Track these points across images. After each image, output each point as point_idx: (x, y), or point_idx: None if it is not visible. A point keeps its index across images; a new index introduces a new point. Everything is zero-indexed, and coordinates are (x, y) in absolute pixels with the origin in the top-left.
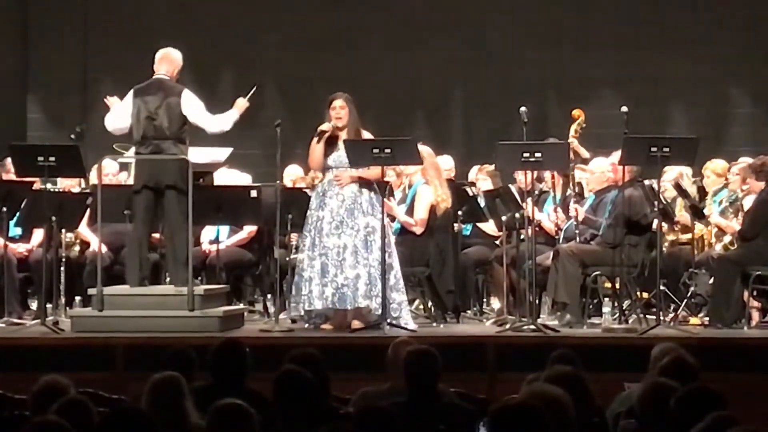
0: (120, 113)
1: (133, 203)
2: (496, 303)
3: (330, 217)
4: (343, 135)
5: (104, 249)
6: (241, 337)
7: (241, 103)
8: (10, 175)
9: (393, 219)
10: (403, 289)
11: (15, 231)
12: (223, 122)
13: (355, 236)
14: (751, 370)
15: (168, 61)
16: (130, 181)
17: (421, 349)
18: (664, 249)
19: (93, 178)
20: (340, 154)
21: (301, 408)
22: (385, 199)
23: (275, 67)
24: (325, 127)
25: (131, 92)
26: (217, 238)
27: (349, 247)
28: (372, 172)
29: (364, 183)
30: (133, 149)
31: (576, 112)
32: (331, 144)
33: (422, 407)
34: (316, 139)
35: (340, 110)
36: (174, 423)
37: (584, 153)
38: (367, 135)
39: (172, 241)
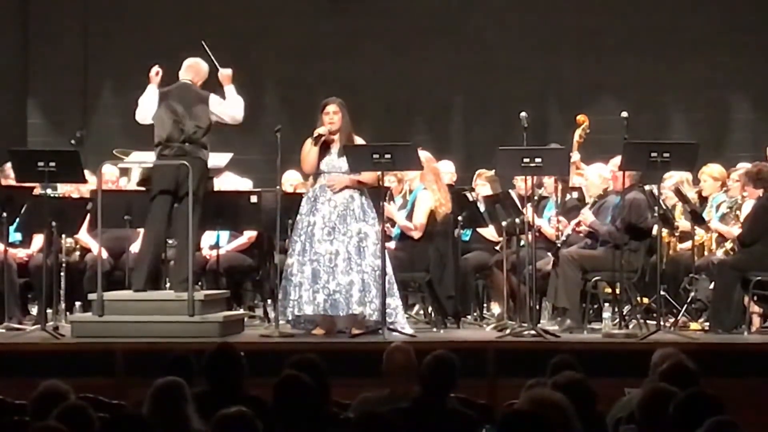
0: (149, 106)
1: (152, 207)
2: (496, 308)
3: (322, 223)
4: (336, 140)
5: (104, 254)
6: (241, 343)
7: (227, 73)
8: (10, 181)
9: (393, 223)
10: (397, 294)
11: (15, 236)
12: (238, 103)
13: (348, 242)
14: (751, 375)
15: (195, 70)
16: (130, 187)
17: (445, 356)
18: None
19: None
20: (332, 159)
21: (301, 413)
22: (384, 204)
23: (275, 72)
24: (322, 130)
25: (157, 93)
26: (217, 243)
27: (342, 253)
28: (367, 177)
29: (356, 188)
30: (134, 154)
31: (580, 118)
32: (323, 148)
33: (427, 413)
34: (311, 141)
35: (333, 115)
36: (176, 429)
37: (585, 170)
38: (359, 141)
39: (183, 247)
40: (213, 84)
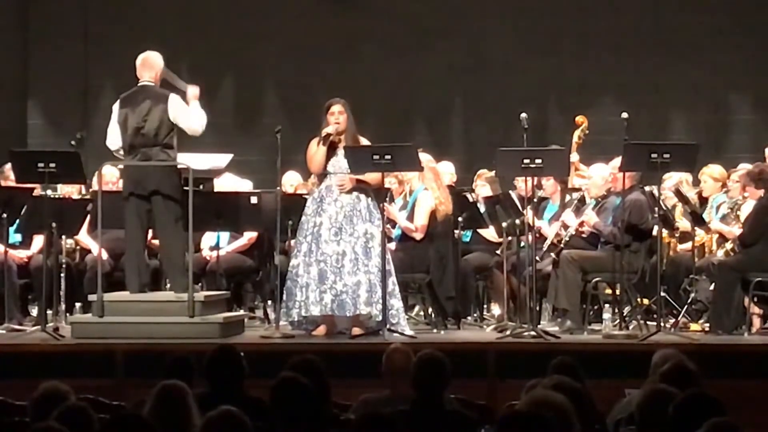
0: (114, 129)
1: (124, 211)
2: (496, 309)
3: (329, 224)
4: (342, 140)
5: (104, 255)
6: (241, 344)
7: (193, 91)
8: (10, 182)
9: (393, 225)
10: (399, 295)
11: (15, 237)
12: (200, 117)
13: (355, 243)
14: (751, 376)
15: (149, 65)
16: None
17: (432, 355)
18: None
19: (93, 185)
20: (339, 159)
21: (299, 414)
22: (385, 204)
23: (275, 73)
24: (331, 129)
25: (117, 102)
26: (218, 244)
27: (348, 253)
28: (369, 177)
29: (362, 189)
30: None
31: (579, 119)
32: (330, 149)
33: (425, 414)
34: (318, 140)
35: (339, 115)
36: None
37: (585, 171)
38: (364, 141)
39: (165, 247)
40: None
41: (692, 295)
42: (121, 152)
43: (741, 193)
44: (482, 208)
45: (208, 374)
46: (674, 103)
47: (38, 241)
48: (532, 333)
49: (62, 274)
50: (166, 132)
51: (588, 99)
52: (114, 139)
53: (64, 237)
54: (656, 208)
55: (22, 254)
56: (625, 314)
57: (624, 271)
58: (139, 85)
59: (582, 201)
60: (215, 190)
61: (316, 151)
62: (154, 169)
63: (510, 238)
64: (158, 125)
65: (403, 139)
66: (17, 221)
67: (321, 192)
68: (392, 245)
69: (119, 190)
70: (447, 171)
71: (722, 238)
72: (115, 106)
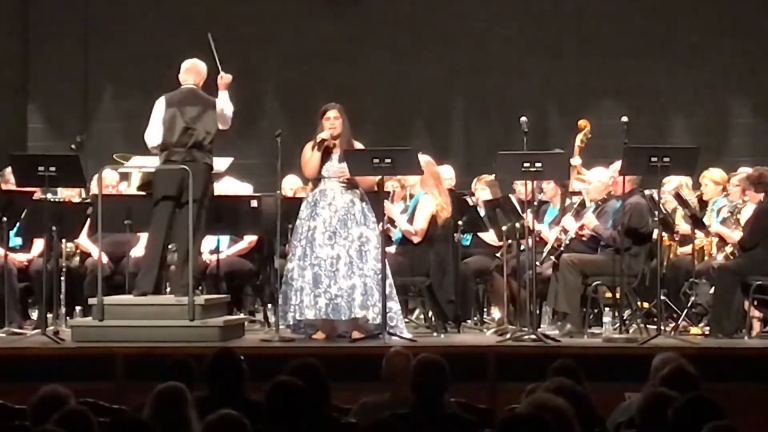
0: (157, 127)
1: (156, 211)
2: (496, 313)
3: (323, 228)
4: (336, 145)
5: (104, 259)
6: (241, 347)
7: (227, 80)
8: (11, 185)
9: (395, 224)
10: (396, 298)
11: (15, 241)
12: (229, 110)
13: (349, 247)
14: (751, 379)
15: (195, 71)
16: (130, 191)
17: (431, 359)
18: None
19: (93, 188)
20: (333, 164)
21: (296, 417)
22: (386, 202)
23: (276, 77)
24: (325, 135)
25: (162, 100)
26: (218, 247)
27: (343, 257)
28: (366, 180)
29: (357, 193)
30: (134, 158)
31: (582, 123)
32: (324, 154)
33: (425, 417)
34: (312, 145)
35: (334, 120)
36: None
37: (586, 175)
38: (359, 146)
39: (184, 252)
40: (207, 82)
41: (692, 298)
42: (156, 150)
43: (741, 196)
44: (482, 212)
45: (208, 377)
46: (674, 106)
47: (38, 244)
48: (532, 336)
49: (62, 278)
50: (212, 138)
51: (588, 102)
52: (154, 136)
53: (64, 240)
54: (656, 212)
55: (22, 258)
56: (625, 318)
57: (624, 274)
58: (186, 87)
59: (582, 205)
60: (215, 193)
61: (310, 155)
62: (195, 176)
63: (510, 241)
64: (207, 129)
65: (403, 143)
66: (17, 225)
67: (315, 196)
68: (392, 248)
69: (119, 193)
70: (447, 175)
71: (722, 242)
72: (161, 104)
